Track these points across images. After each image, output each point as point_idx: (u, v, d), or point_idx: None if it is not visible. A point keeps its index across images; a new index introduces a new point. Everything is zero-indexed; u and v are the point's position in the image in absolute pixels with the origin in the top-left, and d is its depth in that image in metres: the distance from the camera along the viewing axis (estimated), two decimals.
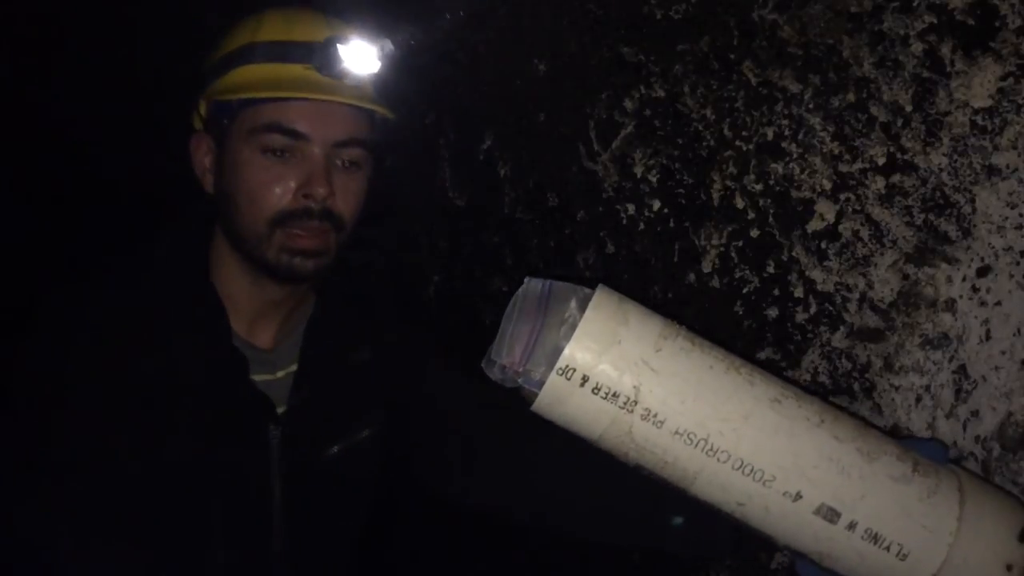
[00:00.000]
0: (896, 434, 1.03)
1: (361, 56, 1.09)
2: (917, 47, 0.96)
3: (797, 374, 1.14)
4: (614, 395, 0.73)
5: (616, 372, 0.73)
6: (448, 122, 1.90)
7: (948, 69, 0.94)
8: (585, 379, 0.73)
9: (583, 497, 1.10)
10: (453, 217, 1.91)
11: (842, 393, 1.09)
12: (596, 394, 0.73)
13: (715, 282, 1.26)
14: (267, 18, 1.10)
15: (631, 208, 1.40)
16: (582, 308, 0.76)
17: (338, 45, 1.07)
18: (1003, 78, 0.89)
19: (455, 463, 1.23)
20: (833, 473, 0.74)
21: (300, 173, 1.03)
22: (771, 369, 1.17)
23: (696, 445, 0.74)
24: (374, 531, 1.32)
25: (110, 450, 0.99)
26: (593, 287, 0.79)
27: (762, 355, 1.19)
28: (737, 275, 1.23)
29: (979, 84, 0.91)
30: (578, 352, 0.73)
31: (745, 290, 1.21)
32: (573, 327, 0.74)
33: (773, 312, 1.17)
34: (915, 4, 0.96)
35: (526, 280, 0.81)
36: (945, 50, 0.94)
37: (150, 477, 1.00)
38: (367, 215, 1.14)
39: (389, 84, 1.13)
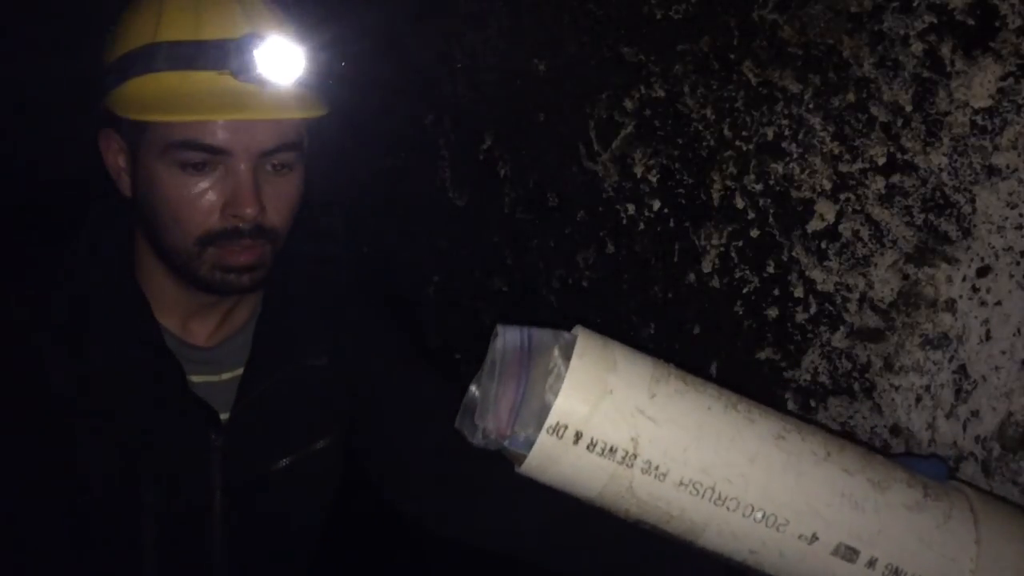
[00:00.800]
0: (896, 434, 1.03)
1: (284, 58, 0.94)
2: (917, 47, 0.96)
3: (797, 374, 1.14)
4: (611, 450, 0.68)
5: (611, 425, 0.68)
6: (448, 122, 1.90)
7: (948, 69, 0.94)
8: (579, 436, 0.67)
9: (562, 529, 1.01)
10: (453, 217, 1.91)
11: (842, 393, 1.09)
12: (591, 451, 0.68)
13: (715, 282, 1.26)
14: (168, 7, 0.94)
15: (631, 208, 1.40)
16: (566, 356, 0.70)
17: (257, 46, 0.92)
18: (1003, 78, 0.89)
19: (422, 482, 1.13)
20: (847, 509, 0.70)
21: (224, 189, 0.93)
22: (771, 369, 1.18)
23: (703, 495, 0.69)
24: (331, 551, 1.23)
25: (26, 464, 0.91)
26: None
27: (762, 355, 1.19)
28: (737, 275, 1.23)
29: (979, 84, 0.91)
30: (568, 407, 0.67)
31: (745, 290, 1.21)
32: (559, 378, 0.69)
33: (773, 312, 1.17)
34: (915, 4, 0.96)
35: (500, 330, 0.74)
36: (945, 50, 0.94)
37: (73, 490, 0.92)
38: (320, 203, 1.06)
39: (320, 78, 1.00)
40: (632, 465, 0.69)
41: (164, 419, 0.98)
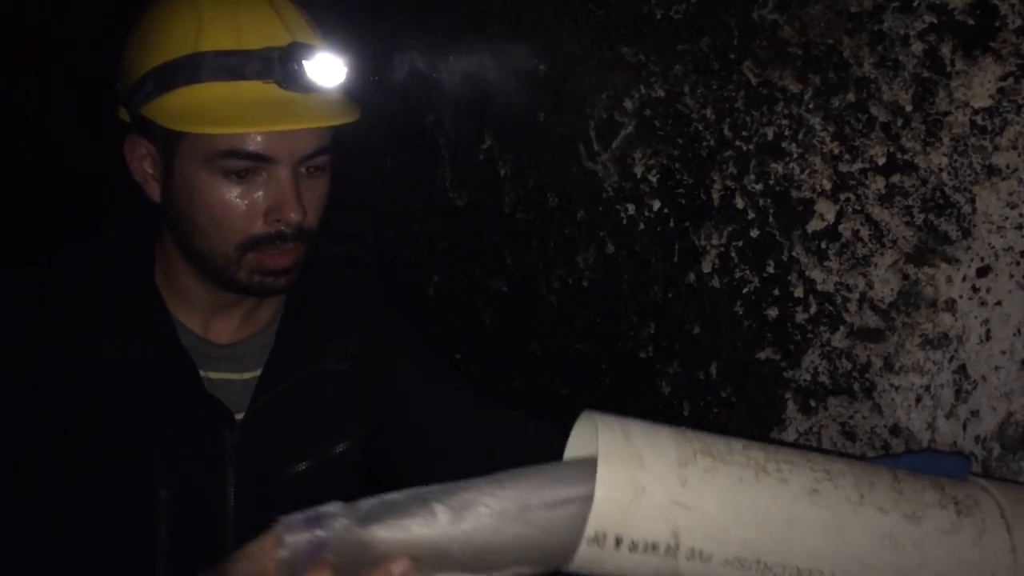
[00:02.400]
0: (896, 434, 1.03)
1: (327, 66, 0.96)
2: (917, 47, 0.96)
3: (797, 374, 1.14)
4: (653, 547, 0.68)
5: (650, 524, 0.69)
6: (448, 122, 1.90)
7: (948, 69, 0.94)
8: (619, 540, 0.68)
9: None
10: (453, 217, 1.91)
11: (842, 393, 1.09)
12: (634, 552, 0.68)
13: (715, 282, 1.26)
14: (207, 16, 0.94)
15: (631, 208, 1.40)
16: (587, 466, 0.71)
17: (301, 54, 0.93)
18: (1003, 78, 0.89)
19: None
20: (889, 551, 0.71)
21: (268, 195, 0.94)
22: (771, 369, 1.18)
23: (749, 568, 0.70)
24: None
25: (35, 466, 0.91)
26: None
27: (762, 355, 1.19)
28: (737, 275, 1.23)
29: (979, 84, 0.91)
30: (604, 515, 0.68)
31: (745, 290, 1.21)
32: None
33: (773, 312, 1.17)
34: (915, 4, 0.96)
35: None
36: (945, 50, 0.94)
37: (85, 488, 0.92)
38: (342, 203, 1.07)
39: (354, 84, 1.02)
40: (676, 556, 0.69)
41: (177, 416, 0.98)
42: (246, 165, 0.93)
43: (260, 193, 0.94)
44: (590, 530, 0.68)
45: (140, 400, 0.96)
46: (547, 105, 1.58)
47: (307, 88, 0.94)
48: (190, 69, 0.92)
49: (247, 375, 1.05)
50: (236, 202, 0.94)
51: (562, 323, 1.61)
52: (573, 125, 1.50)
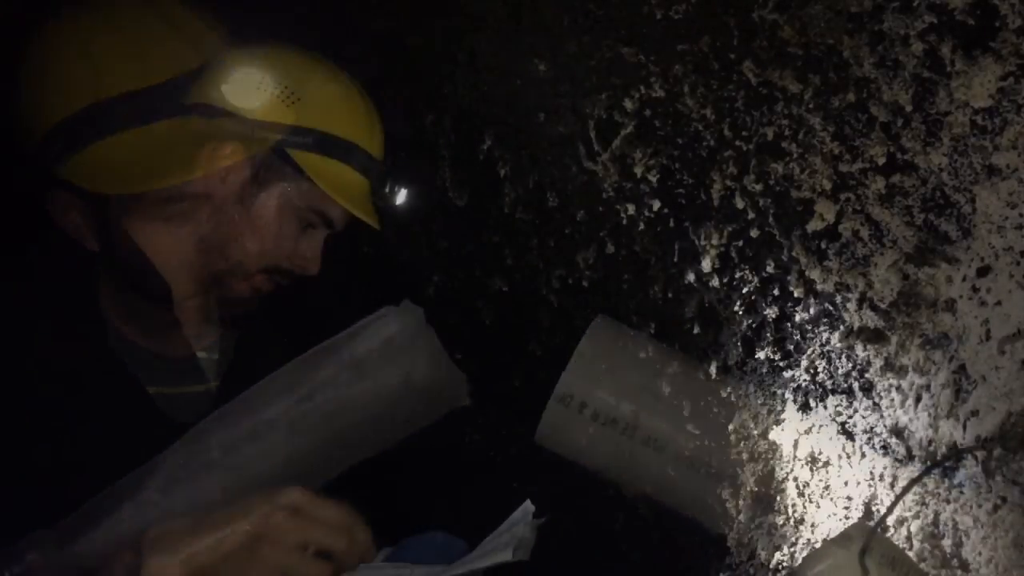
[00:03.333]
0: (896, 434, 1.03)
1: (250, 83, 0.84)
2: (917, 47, 0.96)
3: (797, 374, 1.14)
4: (613, 421, 0.73)
5: (614, 398, 0.73)
6: (448, 122, 1.90)
7: (948, 69, 0.94)
8: (584, 406, 0.72)
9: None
10: (453, 217, 1.91)
11: (841, 393, 1.09)
12: (595, 421, 0.73)
13: (715, 282, 1.26)
14: (102, 53, 0.82)
15: (631, 208, 1.40)
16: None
17: (220, 79, 0.82)
18: (1003, 78, 0.89)
19: (431, 500, 1.11)
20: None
21: (220, 230, 0.90)
22: (771, 369, 1.18)
23: (698, 470, 0.73)
24: None
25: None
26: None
27: (762, 355, 1.19)
28: (737, 275, 1.23)
29: (979, 84, 0.91)
30: (574, 379, 0.72)
31: (745, 289, 1.22)
32: None
33: (773, 312, 1.17)
34: (915, 4, 0.96)
35: None
36: (945, 50, 0.94)
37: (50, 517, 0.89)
38: None
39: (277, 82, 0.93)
40: (633, 437, 0.72)
41: (132, 438, 0.95)
42: (190, 205, 0.87)
43: (210, 227, 0.89)
44: (560, 389, 0.72)
45: (96, 431, 0.94)
46: (547, 105, 1.58)
47: (231, 112, 0.86)
48: (96, 122, 0.82)
49: (201, 387, 1.03)
50: (188, 244, 0.88)
51: (562, 323, 1.61)
52: (573, 125, 1.50)
